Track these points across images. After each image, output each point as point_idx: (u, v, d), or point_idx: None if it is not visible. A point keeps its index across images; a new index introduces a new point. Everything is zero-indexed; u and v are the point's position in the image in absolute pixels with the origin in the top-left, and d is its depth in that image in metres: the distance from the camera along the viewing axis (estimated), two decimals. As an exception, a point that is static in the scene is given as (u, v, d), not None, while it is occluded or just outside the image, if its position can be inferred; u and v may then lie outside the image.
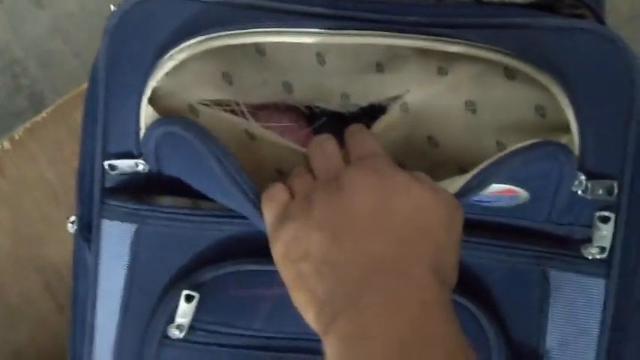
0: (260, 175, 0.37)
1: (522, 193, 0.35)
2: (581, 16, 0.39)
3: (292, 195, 0.33)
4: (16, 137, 0.58)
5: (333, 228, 0.29)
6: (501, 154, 0.33)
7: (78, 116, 0.57)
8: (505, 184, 0.34)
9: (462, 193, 0.33)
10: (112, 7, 0.39)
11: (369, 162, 0.31)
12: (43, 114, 0.59)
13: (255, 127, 0.38)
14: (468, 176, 0.33)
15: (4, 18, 1.14)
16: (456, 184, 0.33)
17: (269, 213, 0.32)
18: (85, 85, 0.59)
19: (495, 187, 0.34)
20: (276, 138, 0.37)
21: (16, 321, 0.58)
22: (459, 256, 0.31)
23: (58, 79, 1.15)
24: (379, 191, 0.30)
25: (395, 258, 0.28)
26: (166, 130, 0.35)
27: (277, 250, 0.31)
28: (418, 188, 0.30)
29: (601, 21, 0.38)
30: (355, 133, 0.35)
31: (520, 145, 0.33)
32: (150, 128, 0.35)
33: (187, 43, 0.35)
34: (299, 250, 0.29)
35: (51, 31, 1.16)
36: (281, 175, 0.38)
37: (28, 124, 0.59)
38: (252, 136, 0.38)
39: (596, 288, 0.35)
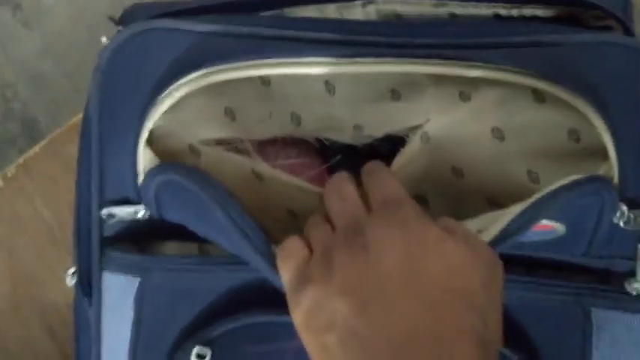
0: (270, 216, 0.35)
1: (559, 228, 0.32)
2: (607, 28, 0.37)
3: (310, 249, 0.30)
4: (9, 174, 0.57)
5: (358, 294, 0.27)
6: (540, 195, 0.31)
7: (72, 149, 0.56)
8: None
9: (497, 242, 0.30)
10: (104, 40, 0.37)
11: (395, 213, 0.29)
12: (36, 149, 0.58)
13: (263, 166, 0.35)
14: (503, 221, 0.31)
15: (-7, 41, 1.13)
16: (492, 228, 0.31)
17: (286, 272, 0.30)
18: (76, 117, 0.58)
19: None
20: (286, 177, 0.35)
21: None
22: (502, 317, 0.28)
23: (51, 102, 1.13)
24: (408, 250, 0.27)
25: (430, 327, 0.26)
26: (166, 179, 0.32)
27: (298, 317, 0.28)
28: (449, 243, 0.27)
29: (630, 32, 0.36)
30: (374, 172, 0.32)
31: (560, 183, 0.31)
32: (148, 176, 0.33)
33: (186, 78, 0.33)
34: (322, 319, 0.27)
35: (41, 53, 1.14)
36: (292, 216, 0.36)
37: (20, 160, 0.58)
38: (259, 176, 0.35)
39: None
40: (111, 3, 1.07)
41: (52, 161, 0.57)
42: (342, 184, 0.32)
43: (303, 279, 0.29)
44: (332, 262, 0.28)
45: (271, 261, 0.31)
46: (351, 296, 0.27)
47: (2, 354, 0.56)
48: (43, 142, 0.59)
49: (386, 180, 0.31)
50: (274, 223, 0.34)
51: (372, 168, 0.33)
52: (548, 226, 0.32)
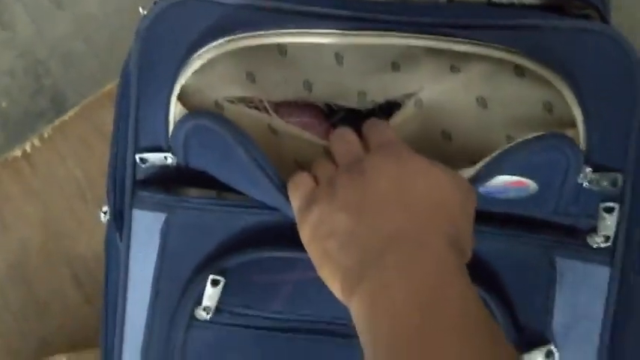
0: (280, 167, 0.40)
1: (531, 185, 0.37)
2: (587, 16, 0.41)
3: (316, 181, 0.36)
4: (45, 135, 0.61)
5: (356, 207, 0.32)
6: (509, 145, 0.36)
7: (103, 115, 0.60)
8: (514, 175, 0.37)
9: (472, 180, 0.36)
10: (141, 10, 0.43)
11: (389, 148, 0.35)
12: (71, 113, 0.62)
13: (278, 121, 0.41)
14: (478, 166, 0.36)
15: (27, 19, 1.18)
16: (467, 172, 0.36)
17: (296, 199, 0.35)
18: (109, 86, 0.62)
19: (505, 179, 0.37)
20: (298, 131, 0.41)
21: (45, 313, 0.61)
22: (473, 233, 0.33)
23: (79, 80, 1.18)
24: (398, 173, 0.33)
25: (413, 229, 0.31)
26: (196, 123, 0.38)
27: (305, 232, 0.34)
28: (435, 170, 0.33)
29: (606, 21, 0.41)
30: (373, 124, 0.38)
31: (527, 137, 0.36)
32: (180, 121, 0.39)
33: (214, 43, 0.39)
34: (325, 230, 0.32)
35: (72, 32, 1.19)
36: (300, 167, 0.41)
37: (56, 123, 0.61)
38: (274, 131, 0.41)
39: (600, 275, 0.38)
40: None
41: (85, 125, 0.61)
42: (345, 132, 0.37)
43: (310, 202, 0.34)
44: (334, 187, 0.33)
45: (284, 192, 0.36)
46: (349, 209, 0.32)
47: (32, 302, 0.61)
48: (76, 108, 0.62)
49: (383, 129, 0.37)
50: (284, 173, 0.40)
51: (371, 121, 0.38)
52: (523, 183, 0.37)
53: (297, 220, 0.35)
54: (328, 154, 0.38)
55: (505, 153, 0.36)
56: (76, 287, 0.61)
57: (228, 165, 0.38)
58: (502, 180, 0.37)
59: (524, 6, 0.42)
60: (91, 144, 0.61)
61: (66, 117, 0.61)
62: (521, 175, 0.37)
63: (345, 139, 0.37)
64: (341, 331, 0.38)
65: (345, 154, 0.36)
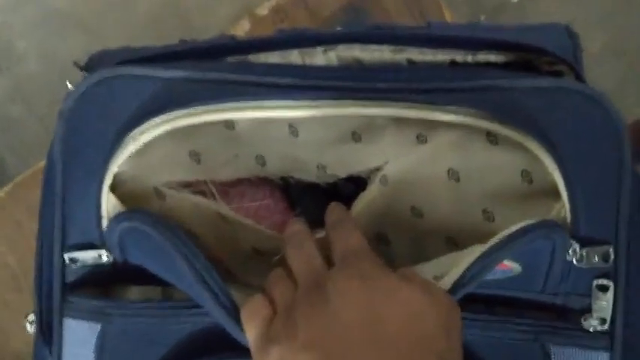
0: (236, 254, 0.36)
1: (515, 268, 0.33)
2: (559, 73, 0.39)
3: (273, 307, 0.31)
4: None
5: (321, 347, 0.27)
6: (493, 242, 0.32)
7: (37, 193, 0.56)
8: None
9: (456, 289, 0.31)
10: (69, 86, 0.38)
11: (353, 265, 0.30)
12: (1, 193, 0.59)
13: (228, 210, 0.36)
14: (460, 268, 0.32)
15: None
16: (449, 276, 0.32)
17: (251, 331, 0.30)
18: (40, 163, 0.58)
19: None
20: (250, 223, 0.36)
21: None
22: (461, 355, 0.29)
23: (20, 145, 1.13)
24: (367, 299, 0.28)
25: None
26: (130, 226, 0.33)
27: None
28: (408, 291, 0.29)
29: (580, 77, 0.38)
30: (337, 225, 0.34)
31: (512, 229, 0.32)
32: (113, 222, 0.34)
33: (150, 123, 0.34)
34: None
35: (10, 96, 1.15)
36: (257, 253, 0.37)
37: None
38: (224, 219, 0.36)
39: None
40: (81, 47, 1.08)
41: (17, 206, 0.57)
42: (302, 239, 0.33)
43: (267, 338, 0.29)
44: (295, 319, 0.29)
45: (235, 317, 0.31)
46: (314, 351, 0.27)
47: None
48: (8, 187, 0.59)
49: (348, 233, 0.33)
50: (241, 260, 0.35)
51: (336, 220, 0.34)
52: (506, 266, 0.33)
53: (253, 356, 0.30)
54: (285, 263, 0.33)
55: (488, 254, 0.32)
56: None
57: (170, 271, 0.34)
58: None
59: (489, 64, 0.39)
60: (25, 227, 0.58)
61: None
62: (505, 259, 0.33)
63: (303, 250, 0.32)
64: None
65: (303, 272, 0.31)
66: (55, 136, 0.36)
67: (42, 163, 0.58)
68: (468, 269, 0.32)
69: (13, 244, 0.57)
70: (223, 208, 0.36)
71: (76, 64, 0.41)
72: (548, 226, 0.32)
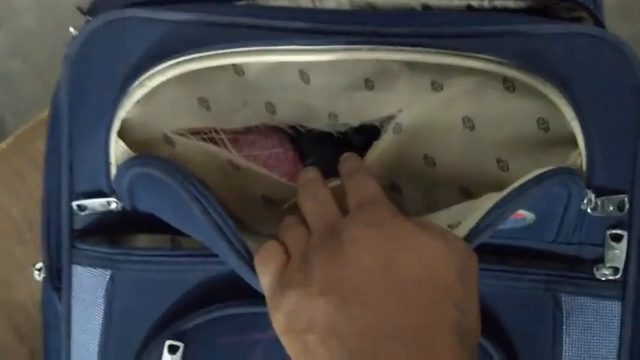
0: (246, 202, 0.35)
1: (529, 216, 0.33)
2: (578, 19, 0.38)
3: (288, 253, 0.30)
4: None
5: (337, 293, 0.27)
6: (508, 190, 0.31)
7: (39, 145, 0.56)
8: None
9: (470, 237, 0.31)
10: (72, 31, 0.37)
11: (369, 213, 0.29)
12: (3, 145, 0.58)
13: (238, 158, 0.35)
14: (475, 218, 0.31)
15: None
16: (463, 225, 0.31)
17: (265, 277, 0.30)
18: (46, 112, 0.58)
19: None
20: (261, 170, 0.35)
21: None
22: (479, 307, 0.29)
23: (18, 101, 1.12)
24: (383, 247, 0.28)
25: (411, 326, 0.26)
26: (142, 172, 0.32)
27: (279, 321, 0.28)
28: (425, 240, 0.28)
29: (600, 24, 0.37)
30: (353, 174, 0.33)
31: (528, 177, 0.32)
32: (122, 168, 0.33)
33: (158, 67, 0.34)
34: (303, 320, 0.27)
35: (9, 51, 1.13)
36: (268, 202, 0.36)
37: None
38: (235, 166, 0.36)
39: (611, 311, 0.34)
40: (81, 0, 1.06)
41: (18, 158, 0.57)
42: (316, 186, 0.32)
43: (282, 284, 0.29)
44: (310, 265, 0.28)
45: (249, 263, 0.31)
46: (330, 296, 0.27)
47: None
48: (9, 139, 0.58)
49: (363, 181, 0.32)
50: (250, 209, 0.34)
51: (351, 168, 0.33)
52: (519, 215, 0.33)
53: (267, 301, 0.30)
54: (298, 211, 0.32)
55: (503, 202, 0.31)
56: (17, 339, 0.56)
57: (182, 218, 0.33)
58: None
59: (507, 10, 0.38)
60: (27, 179, 0.57)
61: None
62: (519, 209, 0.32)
63: (316, 197, 0.32)
64: None
65: (318, 218, 0.31)
66: (60, 80, 0.35)
67: (43, 115, 0.58)
68: (484, 217, 0.31)
69: (16, 195, 0.57)
70: (234, 156, 0.36)
71: (79, 8, 0.40)
72: (564, 173, 0.32)
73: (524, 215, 0.33)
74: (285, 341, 0.28)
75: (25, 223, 0.57)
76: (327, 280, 0.27)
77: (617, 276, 0.34)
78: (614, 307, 0.34)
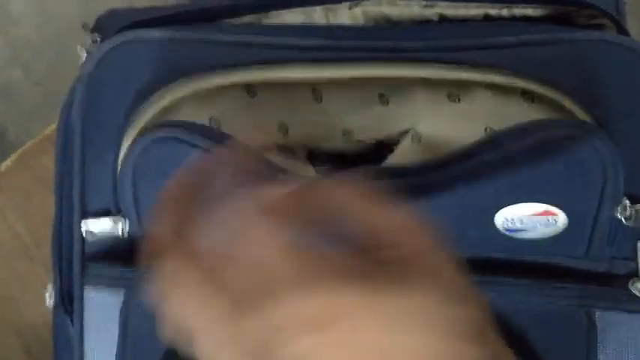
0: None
1: (560, 216, 0.32)
2: (600, 27, 0.37)
3: None
4: None
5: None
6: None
7: (45, 161, 0.57)
8: (539, 201, 0.32)
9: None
10: (80, 50, 0.37)
11: None
12: (7, 162, 0.58)
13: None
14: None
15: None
16: None
17: None
18: (50, 127, 0.58)
19: (531, 209, 0.32)
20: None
21: None
22: None
23: (20, 112, 1.12)
24: None
25: None
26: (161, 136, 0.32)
27: None
28: None
29: (624, 31, 0.36)
30: None
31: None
32: (125, 160, 0.33)
33: (169, 87, 0.34)
34: None
35: (9, 61, 1.13)
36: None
37: None
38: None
39: None
40: (79, 8, 1.07)
41: (24, 174, 0.57)
42: None
43: None
44: None
45: None
46: None
47: None
48: (14, 156, 0.58)
49: None
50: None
51: None
52: (552, 212, 0.32)
53: None
54: None
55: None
56: (27, 359, 0.56)
57: None
58: (529, 211, 0.32)
59: (527, 18, 0.37)
60: (33, 195, 0.57)
61: (2, 167, 0.58)
62: (548, 199, 0.32)
63: None
64: None
65: None
66: (72, 100, 0.36)
67: (48, 130, 0.58)
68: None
69: (23, 213, 0.56)
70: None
71: (84, 26, 0.40)
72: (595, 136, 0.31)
73: (556, 214, 0.32)
74: None
75: (32, 240, 0.57)
76: None
77: None
78: None
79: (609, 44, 0.34)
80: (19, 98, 1.12)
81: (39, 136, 0.59)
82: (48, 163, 0.55)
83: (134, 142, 0.33)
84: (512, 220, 0.32)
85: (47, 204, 0.52)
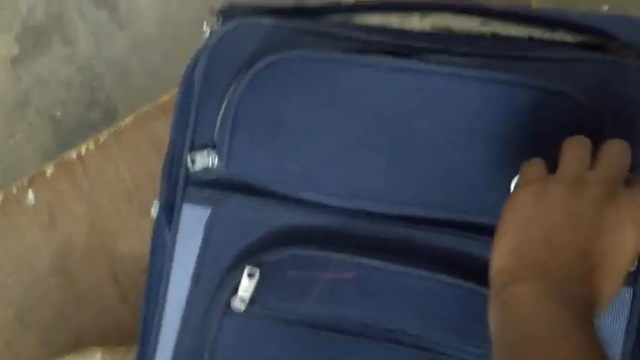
0: None
1: None
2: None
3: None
4: (101, 141, 0.65)
5: (570, 215, 0.34)
6: None
7: (157, 126, 0.65)
8: None
9: None
10: (205, 27, 0.48)
11: (610, 189, 0.35)
12: (126, 121, 0.67)
13: None
14: None
15: (90, 37, 1.26)
16: None
17: (526, 176, 0.37)
18: (163, 99, 0.67)
19: None
20: None
21: (82, 307, 0.65)
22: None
23: (132, 96, 1.24)
24: (600, 220, 0.34)
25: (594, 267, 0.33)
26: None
27: (518, 208, 0.35)
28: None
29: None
30: (613, 147, 0.37)
31: None
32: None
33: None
34: (542, 210, 0.34)
35: (129, 51, 1.26)
36: None
37: (112, 130, 0.66)
38: None
39: (622, 296, 0.39)
40: (195, 12, 1.18)
41: (138, 134, 0.66)
42: (583, 143, 0.38)
43: (541, 179, 0.36)
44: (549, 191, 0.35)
45: None
46: (563, 216, 0.34)
47: (71, 294, 0.65)
48: (132, 117, 0.67)
49: (621, 163, 0.37)
50: None
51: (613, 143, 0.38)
52: None
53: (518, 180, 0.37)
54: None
55: None
56: (113, 285, 0.64)
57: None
58: None
59: (565, 44, 0.45)
60: (142, 152, 0.65)
61: (122, 125, 0.66)
62: None
63: (580, 148, 0.37)
64: (368, 333, 0.41)
65: (570, 167, 0.36)
66: (195, 64, 0.46)
67: (162, 101, 0.67)
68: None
69: (131, 165, 0.65)
70: None
71: (211, 11, 0.51)
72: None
73: None
74: (508, 217, 0.36)
75: (135, 187, 0.65)
76: (562, 207, 0.35)
77: (632, 267, 0.39)
78: (625, 293, 0.39)
79: (627, 69, 0.41)
80: (132, 85, 1.26)
81: (154, 104, 0.66)
82: (158, 128, 0.64)
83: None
84: None
85: (152, 161, 0.62)
